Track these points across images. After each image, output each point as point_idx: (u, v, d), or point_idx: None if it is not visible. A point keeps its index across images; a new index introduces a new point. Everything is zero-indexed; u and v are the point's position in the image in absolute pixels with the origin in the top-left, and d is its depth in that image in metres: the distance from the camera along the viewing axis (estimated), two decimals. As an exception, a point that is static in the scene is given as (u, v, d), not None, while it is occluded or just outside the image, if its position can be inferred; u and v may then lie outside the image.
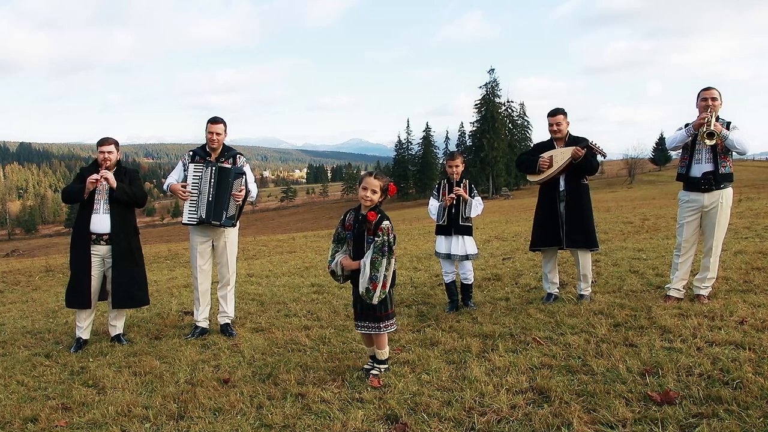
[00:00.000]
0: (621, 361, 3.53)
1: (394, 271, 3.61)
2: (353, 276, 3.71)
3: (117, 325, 5.12)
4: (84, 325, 4.98)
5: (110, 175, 4.84)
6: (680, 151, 4.99)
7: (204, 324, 5.17)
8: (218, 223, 4.90)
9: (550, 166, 5.20)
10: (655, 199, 27.60)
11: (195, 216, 4.94)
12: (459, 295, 5.47)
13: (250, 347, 4.55)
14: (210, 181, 4.90)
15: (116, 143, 5.01)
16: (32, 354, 4.87)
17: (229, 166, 5.00)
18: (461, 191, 5.23)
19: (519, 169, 5.79)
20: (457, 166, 5.26)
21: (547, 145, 5.38)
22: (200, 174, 4.94)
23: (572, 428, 2.75)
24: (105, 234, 4.85)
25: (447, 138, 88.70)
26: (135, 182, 5.08)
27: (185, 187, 4.91)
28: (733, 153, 4.78)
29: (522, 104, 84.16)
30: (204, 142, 5.10)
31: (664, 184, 52.32)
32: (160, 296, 7.49)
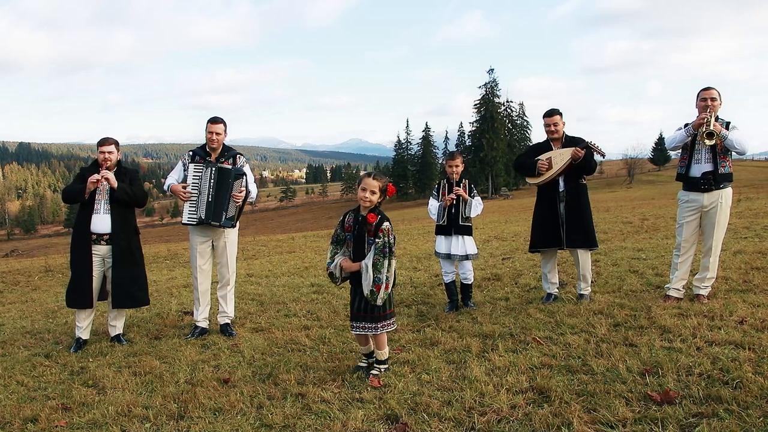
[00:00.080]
0: (621, 360, 3.53)
1: (394, 272, 3.62)
2: (351, 276, 3.71)
3: (117, 325, 5.12)
4: (83, 325, 4.98)
5: (111, 175, 4.84)
6: (680, 151, 4.99)
7: (204, 324, 5.16)
8: (218, 223, 4.90)
9: (550, 167, 5.20)
10: (655, 199, 27.63)
11: (195, 216, 4.93)
12: (459, 295, 5.48)
13: (250, 347, 4.55)
14: (210, 182, 4.90)
15: (116, 143, 5.01)
16: (32, 354, 4.86)
17: (229, 166, 5.00)
18: (461, 191, 5.24)
19: (517, 171, 5.79)
20: (457, 165, 5.27)
21: (544, 146, 5.38)
22: (200, 174, 4.93)
23: (572, 428, 2.75)
24: (105, 234, 4.85)
25: (446, 138, 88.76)
26: (135, 182, 5.08)
27: (186, 188, 4.91)
28: (733, 153, 4.79)
29: (521, 104, 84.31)
30: (204, 142, 5.10)
31: (663, 184, 52.36)
32: (160, 296, 7.49)
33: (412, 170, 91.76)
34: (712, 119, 4.65)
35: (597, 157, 5.25)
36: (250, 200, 5.15)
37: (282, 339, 4.73)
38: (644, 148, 73.97)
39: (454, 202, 5.26)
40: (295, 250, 14.45)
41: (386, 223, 3.59)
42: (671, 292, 4.97)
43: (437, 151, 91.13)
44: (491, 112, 75.92)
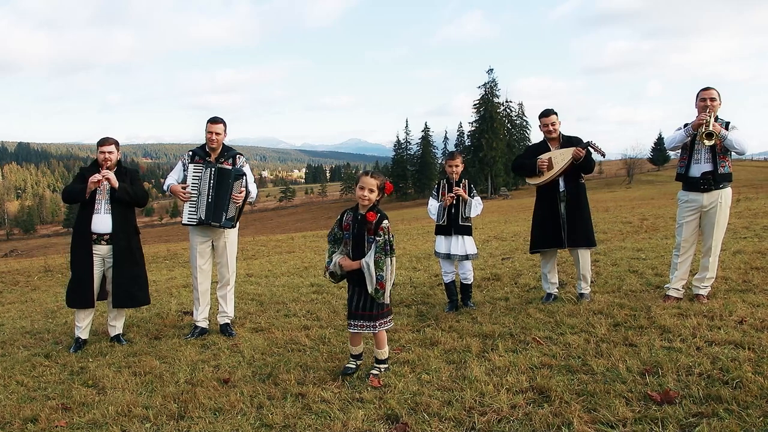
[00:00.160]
0: (621, 360, 3.53)
1: (394, 269, 3.64)
2: (349, 275, 3.71)
3: (116, 325, 5.12)
4: (83, 325, 4.98)
5: (112, 175, 4.84)
6: (679, 151, 5.00)
7: (203, 324, 5.16)
8: (218, 224, 4.90)
9: (551, 167, 5.21)
10: (654, 199, 27.65)
11: (195, 217, 4.93)
12: (458, 295, 5.48)
13: (249, 347, 4.55)
14: (210, 182, 4.89)
15: (116, 143, 5.01)
16: (32, 354, 4.86)
17: (229, 167, 4.99)
18: (461, 191, 5.24)
19: (516, 173, 5.79)
20: (456, 165, 5.27)
21: (541, 147, 5.39)
22: (200, 174, 4.93)
23: (572, 428, 2.76)
24: (106, 234, 4.85)
25: (446, 138, 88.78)
26: (135, 182, 5.08)
27: (185, 188, 4.90)
28: (732, 153, 4.79)
29: (521, 104, 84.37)
30: (203, 142, 5.09)
31: (662, 184, 52.39)
32: (159, 296, 7.49)
33: (411, 170, 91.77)
34: (712, 119, 4.65)
35: (597, 157, 5.27)
36: (250, 200, 5.14)
37: (282, 339, 4.73)
38: (643, 148, 74.09)
39: (454, 202, 5.26)
40: (295, 250, 14.45)
41: (386, 221, 3.61)
42: (671, 292, 4.97)
43: (436, 151, 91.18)
44: (490, 112, 75.95)
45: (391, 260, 3.59)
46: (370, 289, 3.56)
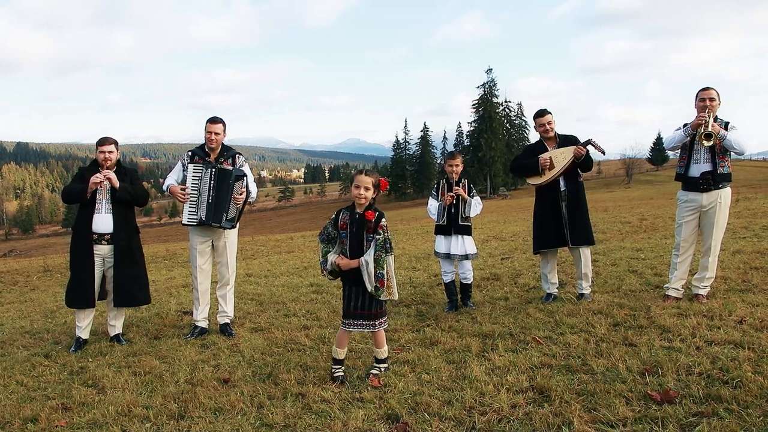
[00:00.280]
0: (621, 360, 3.53)
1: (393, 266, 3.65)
2: (344, 274, 3.69)
3: (116, 324, 5.11)
4: (83, 324, 4.98)
5: (113, 175, 4.84)
6: (679, 150, 5.00)
7: (203, 324, 5.16)
8: (218, 225, 4.90)
9: (552, 167, 5.21)
10: (653, 199, 27.66)
11: (195, 217, 4.93)
12: (458, 294, 5.48)
13: (249, 347, 4.55)
14: (210, 183, 4.88)
15: (116, 143, 5.01)
16: (31, 354, 4.86)
17: (230, 167, 4.99)
18: (460, 191, 5.24)
19: (516, 174, 5.78)
20: (456, 165, 5.27)
21: (539, 147, 5.39)
22: (200, 175, 4.92)
23: (573, 427, 2.76)
24: (107, 234, 4.85)
25: (445, 138, 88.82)
26: (135, 182, 5.09)
27: (184, 190, 4.90)
28: (731, 153, 4.80)
29: (519, 104, 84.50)
30: (203, 142, 5.09)
31: (661, 184, 52.43)
32: (159, 296, 7.48)
33: (410, 170, 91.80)
34: (711, 120, 4.66)
35: (597, 156, 5.28)
36: (251, 200, 5.14)
37: (281, 339, 4.73)
38: (642, 148, 74.10)
39: (454, 201, 5.26)
40: (294, 250, 14.45)
41: (384, 219, 3.61)
42: (670, 292, 4.97)
43: (435, 151, 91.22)
44: (489, 112, 76.02)
45: (391, 258, 3.60)
46: (369, 287, 3.56)
